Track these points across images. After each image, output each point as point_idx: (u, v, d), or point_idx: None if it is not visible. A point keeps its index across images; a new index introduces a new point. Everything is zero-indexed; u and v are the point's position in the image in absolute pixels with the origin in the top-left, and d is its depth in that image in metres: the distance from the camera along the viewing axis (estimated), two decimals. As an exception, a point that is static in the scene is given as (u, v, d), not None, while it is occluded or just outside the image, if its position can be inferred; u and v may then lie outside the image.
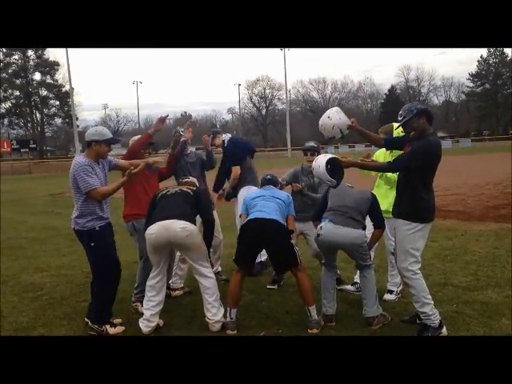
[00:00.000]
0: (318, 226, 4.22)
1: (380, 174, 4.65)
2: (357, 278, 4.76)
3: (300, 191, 5.06)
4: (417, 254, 3.80)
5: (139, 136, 5.19)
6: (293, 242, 4.28)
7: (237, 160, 5.73)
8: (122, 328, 4.25)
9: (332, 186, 4.00)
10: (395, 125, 4.35)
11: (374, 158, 4.61)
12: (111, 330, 4.18)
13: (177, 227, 4.01)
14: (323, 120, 4.06)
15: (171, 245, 4.17)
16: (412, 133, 3.82)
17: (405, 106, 3.86)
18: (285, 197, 4.47)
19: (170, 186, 4.62)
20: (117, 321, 4.38)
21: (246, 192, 5.68)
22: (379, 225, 4.33)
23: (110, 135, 4.28)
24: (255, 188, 5.66)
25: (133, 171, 4.17)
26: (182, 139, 5.36)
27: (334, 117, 4.00)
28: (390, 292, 4.79)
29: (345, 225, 4.09)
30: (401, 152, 3.97)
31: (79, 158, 4.14)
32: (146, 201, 4.52)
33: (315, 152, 5.15)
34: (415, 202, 3.75)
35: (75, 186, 4.10)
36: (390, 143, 4.16)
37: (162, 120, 4.92)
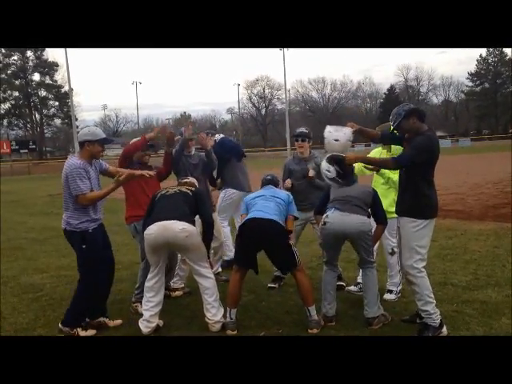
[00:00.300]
0: (324, 215, 4.19)
1: (386, 179, 4.61)
2: (360, 279, 4.75)
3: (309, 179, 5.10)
4: (422, 252, 3.79)
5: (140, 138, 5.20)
6: (291, 242, 4.28)
7: (219, 160, 5.72)
8: (94, 331, 4.19)
9: (330, 177, 4.08)
10: None
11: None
12: (82, 333, 4.12)
13: (176, 228, 4.01)
14: (332, 146, 4.10)
15: (170, 245, 4.15)
16: (406, 135, 3.83)
17: (393, 111, 3.84)
18: (285, 196, 4.47)
19: (169, 186, 4.62)
20: (116, 321, 4.38)
21: (223, 195, 5.95)
22: (381, 220, 4.32)
23: (103, 135, 4.24)
24: (234, 191, 5.88)
25: (120, 178, 4.14)
26: (183, 137, 5.36)
27: (339, 135, 4.07)
28: (390, 292, 4.78)
29: (352, 212, 4.08)
30: (398, 146, 4.05)
31: (73, 160, 4.11)
32: (146, 202, 4.51)
33: (306, 138, 5.15)
34: (418, 199, 3.75)
35: (67, 187, 4.08)
36: (387, 137, 4.16)
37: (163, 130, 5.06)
